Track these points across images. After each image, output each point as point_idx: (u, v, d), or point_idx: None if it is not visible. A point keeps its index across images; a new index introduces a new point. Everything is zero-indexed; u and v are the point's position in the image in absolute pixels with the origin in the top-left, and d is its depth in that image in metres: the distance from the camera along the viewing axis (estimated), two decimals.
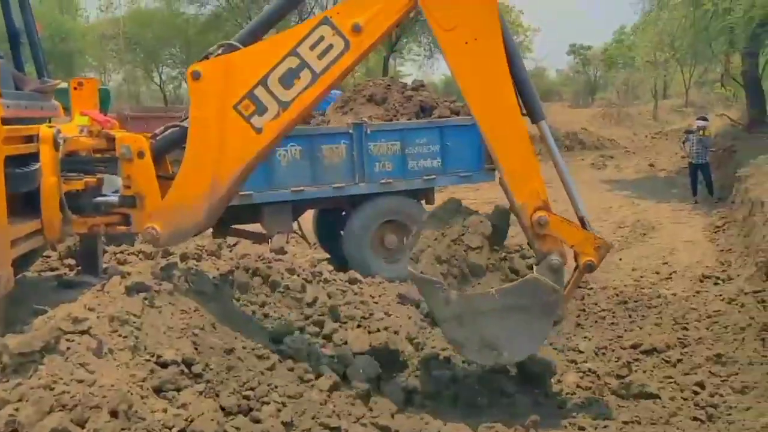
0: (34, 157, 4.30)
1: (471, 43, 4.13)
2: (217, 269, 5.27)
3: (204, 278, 4.79)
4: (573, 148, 25.19)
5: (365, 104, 9.58)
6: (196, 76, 4.18)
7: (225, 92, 4.19)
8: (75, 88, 5.14)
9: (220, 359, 3.87)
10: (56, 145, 4.23)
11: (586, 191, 16.37)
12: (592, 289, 7.60)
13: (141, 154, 4.34)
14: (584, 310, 6.95)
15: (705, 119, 14.99)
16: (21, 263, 4.87)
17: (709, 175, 14.56)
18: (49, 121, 5.04)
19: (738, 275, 8.15)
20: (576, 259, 4.42)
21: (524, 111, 4.35)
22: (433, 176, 8.83)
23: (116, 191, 4.75)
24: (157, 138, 4.55)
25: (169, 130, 4.57)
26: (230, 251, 6.19)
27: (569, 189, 4.50)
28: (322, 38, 4.12)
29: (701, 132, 14.26)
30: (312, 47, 4.13)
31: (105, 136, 4.54)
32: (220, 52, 4.33)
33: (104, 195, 4.72)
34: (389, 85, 9.96)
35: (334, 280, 6.14)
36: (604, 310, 6.94)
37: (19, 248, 4.14)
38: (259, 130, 4.20)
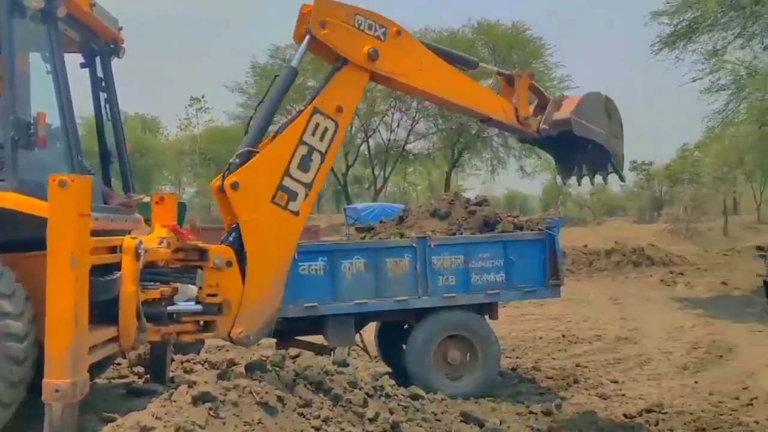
0: (116, 266, 4.53)
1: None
2: (281, 381, 5.27)
3: (268, 390, 4.79)
4: (640, 264, 24.53)
5: (429, 219, 9.74)
6: (235, 186, 4.76)
7: (262, 192, 4.86)
8: (156, 203, 5.47)
9: None
10: (137, 256, 4.46)
11: (655, 309, 15.79)
12: (666, 413, 7.18)
13: (230, 264, 4.76)
14: None
15: None
16: (95, 370, 5.01)
17: None
18: (129, 233, 5.33)
19: None
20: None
21: None
22: (497, 291, 8.72)
23: (188, 300, 4.92)
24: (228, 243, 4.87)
25: (231, 235, 4.92)
26: (293, 362, 6.20)
27: None
28: (317, 125, 5.03)
29: None
30: (313, 134, 5.01)
31: (194, 248, 4.83)
32: (238, 161, 4.88)
33: (175, 304, 4.89)
34: (453, 201, 10.13)
35: (396, 395, 6.02)
36: None
37: (95, 354, 4.27)
38: (297, 213, 4.96)
